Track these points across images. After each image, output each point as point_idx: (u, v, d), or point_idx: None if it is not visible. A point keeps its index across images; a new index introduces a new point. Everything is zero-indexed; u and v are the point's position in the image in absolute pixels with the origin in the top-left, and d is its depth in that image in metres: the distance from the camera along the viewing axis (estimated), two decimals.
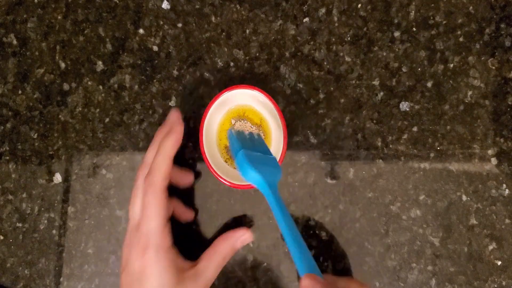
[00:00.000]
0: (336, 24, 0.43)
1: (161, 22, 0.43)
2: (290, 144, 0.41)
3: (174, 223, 0.35)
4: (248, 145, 0.34)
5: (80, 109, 0.43)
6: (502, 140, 0.42)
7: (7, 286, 0.41)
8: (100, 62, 0.43)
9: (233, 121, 0.39)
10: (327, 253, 0.41)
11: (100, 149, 0.42)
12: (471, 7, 0.43)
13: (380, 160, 0.41)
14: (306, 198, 0.41)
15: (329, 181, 0.41)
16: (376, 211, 0.41)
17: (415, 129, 0.42)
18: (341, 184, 0.41)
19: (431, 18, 0.43)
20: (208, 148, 0.36)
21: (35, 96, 0.43)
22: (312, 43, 0.42)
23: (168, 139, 0.32)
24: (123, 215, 0.42)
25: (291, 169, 0.41)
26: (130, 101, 0.43)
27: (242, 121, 0.39)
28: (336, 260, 0.40)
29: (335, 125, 0.42)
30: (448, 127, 0.42)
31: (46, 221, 0.42)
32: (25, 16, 0.44)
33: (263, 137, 0.38)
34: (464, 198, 0.41)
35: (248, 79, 0.42)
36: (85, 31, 0.43)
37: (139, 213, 0.33)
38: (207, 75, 0.43)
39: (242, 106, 0.39)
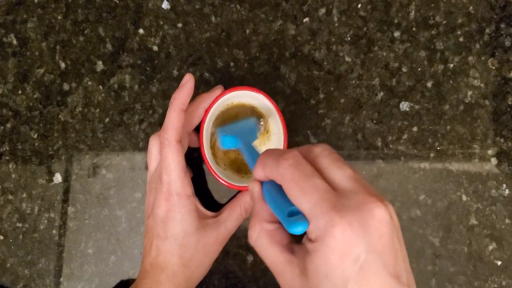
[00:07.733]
0: (336, 24, 0.43)
1: (161, 22, 0.43)
2: (290, 144, 0.41)
3: None
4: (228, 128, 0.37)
5: (80, 109, 0.43)
6: (502, 140, 0.42)
7: (7, 286, 0.41)
8: (100, 62, 0.43)
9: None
10: None
11: (100, 149, 0.42)
12: (471, 7, 0.43)
13: (380, 160, 0.41)
14: None
15: None
16: None
17: (415, 129, 0.42)
18: None
19: (431, 18, 0.43)
20: (208, 148, 0.37)
21: (35, 96, 0.43)
22: (312, 43, 0.42)
23: (177, 93, 0.33)
24: (123, 215, 0.42)
25: None
26: (130, 101, 0.43)
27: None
28: None
29: (335, 125, 0.42)
30: (448, 127, 0.42)
31: (46, 221, 0.42)
32: (25, 16, 0.44)
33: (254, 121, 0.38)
34: (464, 198, 0.41)
35: (248, 79, 0.42)
36: (85, 31, 0.43)
37: (156, 165, 0.35)
38: (207, 75, 0.43)
39: (242, 107, 0.39)
